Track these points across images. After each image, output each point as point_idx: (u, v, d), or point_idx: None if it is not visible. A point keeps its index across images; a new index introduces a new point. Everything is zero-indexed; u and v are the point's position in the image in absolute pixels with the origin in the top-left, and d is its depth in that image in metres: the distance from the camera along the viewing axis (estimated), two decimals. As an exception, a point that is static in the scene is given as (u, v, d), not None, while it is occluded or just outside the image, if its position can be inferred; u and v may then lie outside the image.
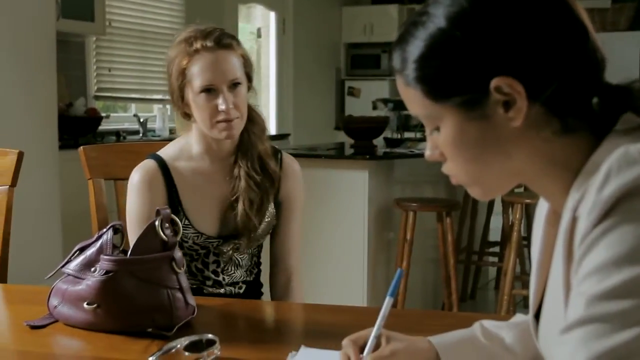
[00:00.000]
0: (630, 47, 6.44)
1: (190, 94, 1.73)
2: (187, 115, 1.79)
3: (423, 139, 4.67)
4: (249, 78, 1.79)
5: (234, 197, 1.78)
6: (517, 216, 3.62)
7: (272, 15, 7.29)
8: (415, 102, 0.91)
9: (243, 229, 1.78)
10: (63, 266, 1.44)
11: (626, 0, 6.82)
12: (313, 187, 3.62)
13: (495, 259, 4.63)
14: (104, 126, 4.98)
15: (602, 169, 0.77)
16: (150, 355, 1.19)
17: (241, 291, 1.86)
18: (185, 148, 1.82)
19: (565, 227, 0.84)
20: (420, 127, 5.45)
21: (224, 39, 1.73)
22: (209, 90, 1.71)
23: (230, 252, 1.81)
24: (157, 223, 1.39)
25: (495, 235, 4.69)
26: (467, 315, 1.56)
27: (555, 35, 0.84)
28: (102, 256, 1.37)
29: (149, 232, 1.39)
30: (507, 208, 4.10)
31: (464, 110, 0.87)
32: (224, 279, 1.84)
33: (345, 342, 1.09)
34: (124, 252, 1.41)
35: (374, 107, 7.48)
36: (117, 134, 5.14)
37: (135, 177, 1.77)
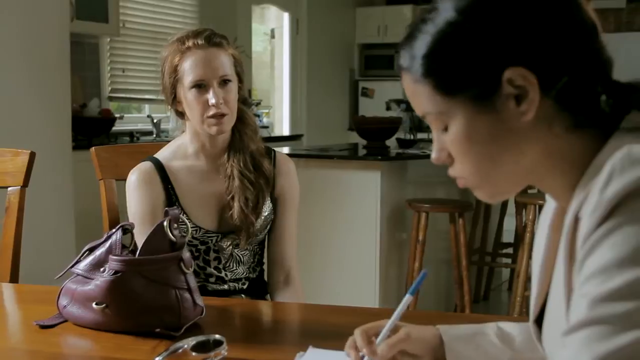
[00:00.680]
0: (645, 47, 6.40)
1: (182, 91, 1.79)
2: (181, 114, 1.84)
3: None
4: (240, 78, 1.84)
5: (230, 196, 1.81)
6: (530, 217, 3.61)
7: (286, 16, 7.29)
8: (424, 99, 0.89)
9: (241, 225, 1.81)
10: (72, 266, 1.44)
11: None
12: (325, 188, 3.59)
13: (509, 260, 4.62)
14: (117, 127, 5.01)
15: (605, 169, 0.77)
16: (157, 356, 1.19)
17: (244, 287, 1.88)
18: (180, 148, 1.87)
19: (567, 228, 0.84)
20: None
21: (214, 38, 1.79)
22: (200, 86, 1.76)
23: (230, 247, 1.84)
24: (165, 223, 1.39)
25: (508, 236, 4.67)
26: (479, 316, 1.56)
27: (566, 25, 0.84)
28: (110, 256, 1.38)
29: (157, 232, 1.39)
30: (521, 209, 4.08)
31: (475, 105, 0.86)
32: (226, 275, 1.85)
33: (357, 330, 1.10)
34: (133, 252, 1.42)
35: (388, 108, 7.46)
36: (131, 134, 5.16)
37: (132, 177, 1.82)
